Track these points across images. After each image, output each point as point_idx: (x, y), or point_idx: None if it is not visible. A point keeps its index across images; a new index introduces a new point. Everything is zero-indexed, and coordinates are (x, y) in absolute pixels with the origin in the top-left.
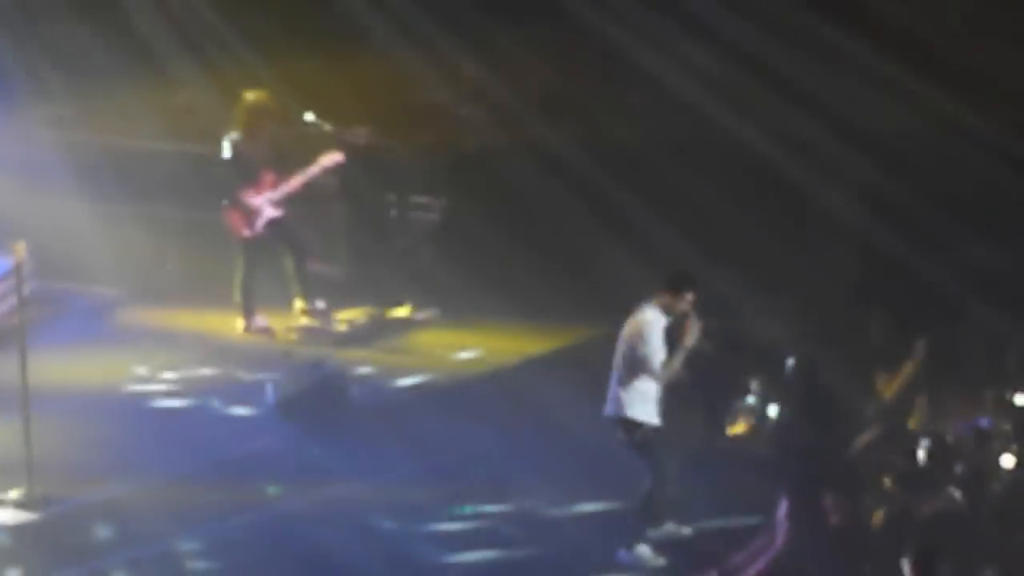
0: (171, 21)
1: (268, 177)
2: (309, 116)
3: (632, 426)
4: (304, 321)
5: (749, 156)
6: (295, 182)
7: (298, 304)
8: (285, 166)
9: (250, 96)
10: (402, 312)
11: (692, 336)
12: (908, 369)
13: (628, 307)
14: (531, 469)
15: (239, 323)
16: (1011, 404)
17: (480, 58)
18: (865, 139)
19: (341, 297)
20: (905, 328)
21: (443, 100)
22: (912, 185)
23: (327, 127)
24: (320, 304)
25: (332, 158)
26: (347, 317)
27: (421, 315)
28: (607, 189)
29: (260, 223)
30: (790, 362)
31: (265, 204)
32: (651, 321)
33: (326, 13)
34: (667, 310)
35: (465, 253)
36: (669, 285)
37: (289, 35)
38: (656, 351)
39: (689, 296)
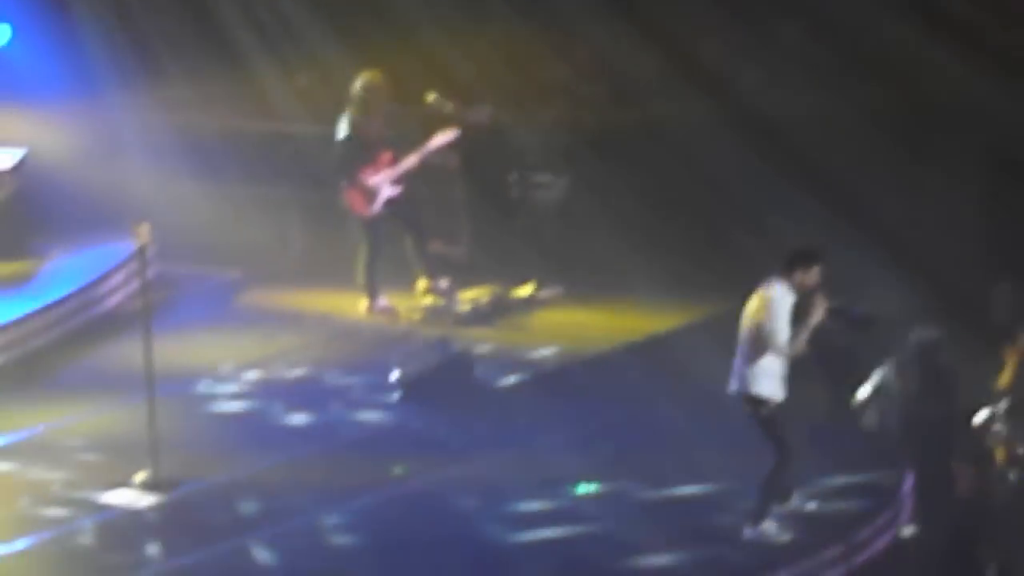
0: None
1: (385, 156)
2: (431, 96)
3: (757, 402)
4: (428, 300)
5: (874, 124)
6: (411, 160)
7: (421, 284)
8: (402, 145)
9: (364, 75)
10: (526, 290)
11: (818, 313)
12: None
13: (756, 281)
14: (657, 447)
15: (363, 304)
16: None
17: (600, 34)
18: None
19: (464, 276)
20: None
21: (565, 77)
22: None
23: (449, 106)
24: (444, 283)
25: (447, 135)
26: (471, 296)
27: (545, 293)
28: (732, 163)
29: (379, 202)
30: (913, 336)
31: (383, 183)
32: (778, 297)
33: None
34: (795, 286)
35: (589, 230)
36: (795, 261)
37: (409, 14)
38: (783, 327)
39: (815, 271)
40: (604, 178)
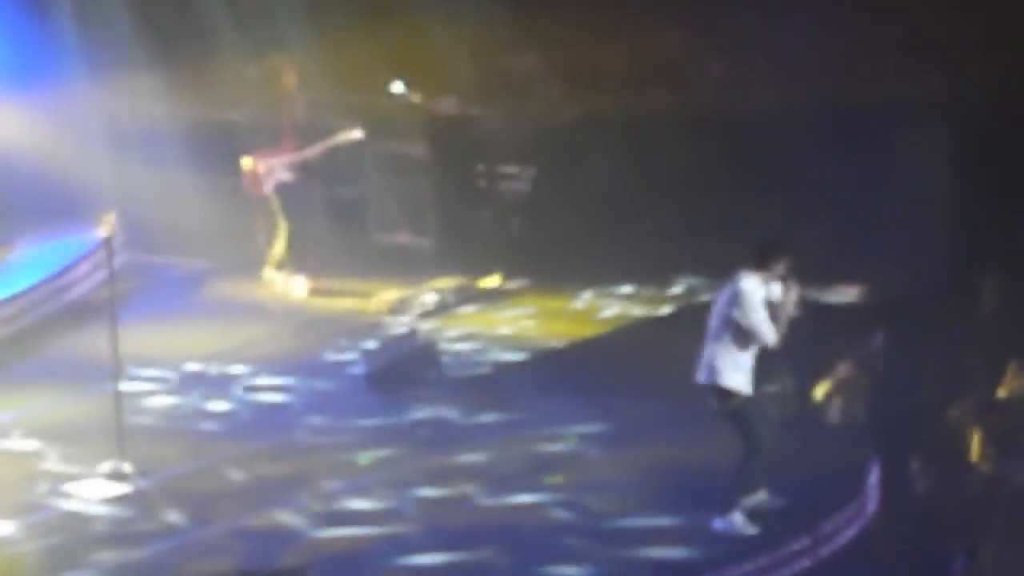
0: None
1: (290, 142)
2: (398, 87)
3: (726, 394)
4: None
5: (837, 115)
6: (312, 151)
7: (269, 271)
8: (307, 134)
9: (273, 61)
10: (492, 282)
11: (791, 302)
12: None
13: (723, 273)
14: (616, 439)
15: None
16: None
17: (568, 25)
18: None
19: (430, 268)
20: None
21: (533, 68)
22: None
23: (416, 97)
24: (300, 277)
25: (353, 134)
26: (438, 287)
27: (511, 284)
28: (697, 155)
29: (268, 184)
30: (881, 329)
31: (278, 167)
32: (751, 291)
33: None
34: (764, 276)
35: (555, 222)
36: (765, 253)
37: (377, 4)
38: (763, 320)
39: (783, 262)
40: (571, 169)
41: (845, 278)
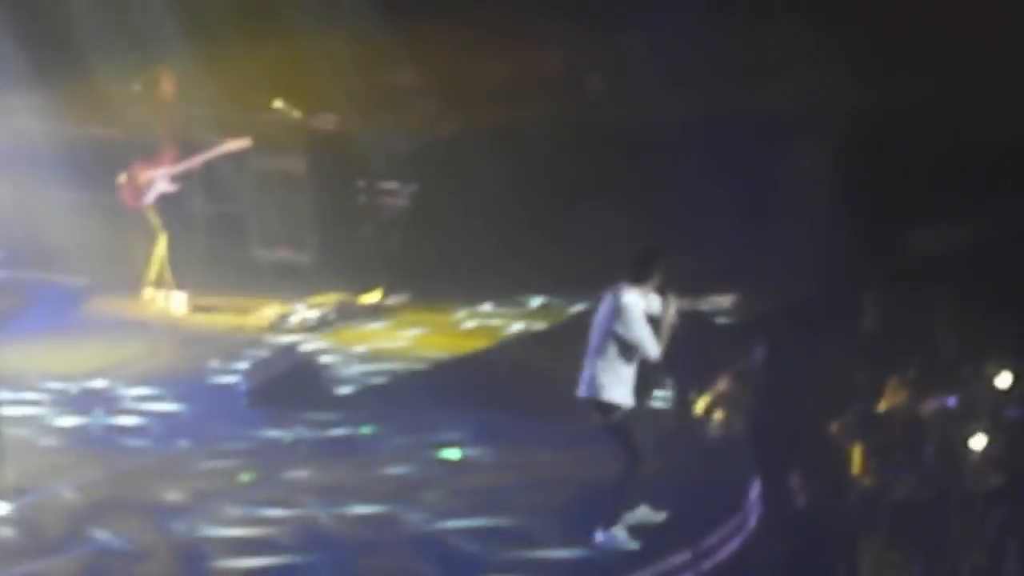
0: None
1: (169, 153)
2: (278, 102)
3: (608, 408)
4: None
5: (717, 128)
6: (195, 161)
7: (149, 288)
8: (187, 150)
9: (150, 73)
10: (373, 297)
11: (670, 314)
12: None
13: (603, 286)
14: (496, 455)
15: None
16: (986, 383)
17: (443, 42)
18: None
19: (310, 284)
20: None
21: (412, 84)
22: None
23: (295, 113)
24: (180, 293)
25: (237, 143)
26: (319, 303)
27: (392, 300)
28: (577, 170)
29: (149, 196)
30: (761, 342)
31: (159, 178)
32: (631, 304)
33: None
34: (642, 289)
35: (435, 237)
36: (641, 264)
37: (257, 20)
38: (646, 333)
39: (660, 273)
40: (451, 184)
41: (722, 289)
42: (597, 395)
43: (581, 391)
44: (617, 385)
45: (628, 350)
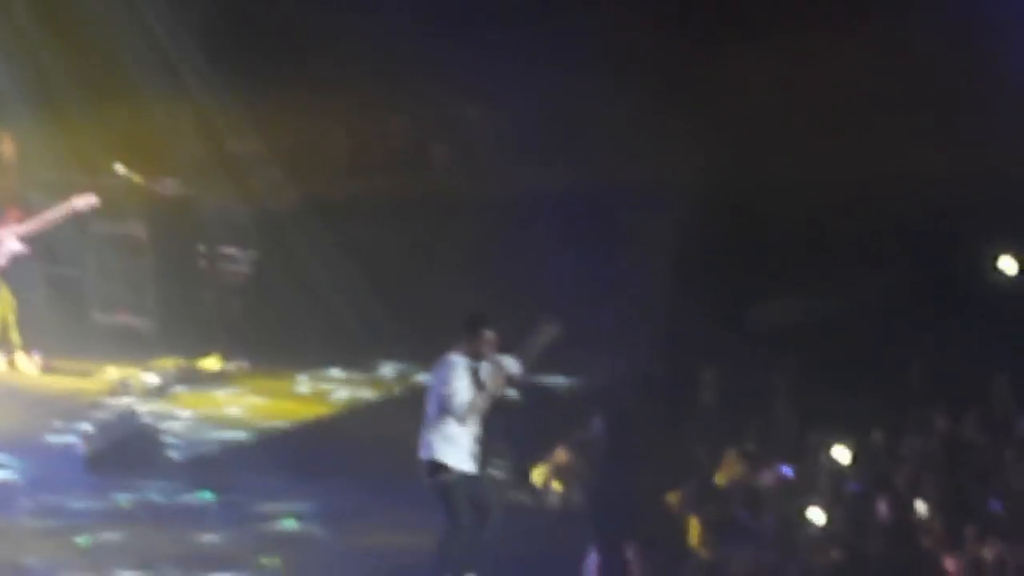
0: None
1: (13, 212)
2: (119, 167)
3: (436, 468)
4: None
5: (562, 200)
6: (45, 218)
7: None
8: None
9: None
10: (212, 363)
11: (492, 379)
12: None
13: (437, 355)
14: (334, 519)
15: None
16: (824, 457)
17: (287, 112)
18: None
19: (150, 348)
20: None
21: (257, 151)
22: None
23: (136, 178)
24: (23, 355)
25: (85, 200)
26: (159, 367)
27: (231, 366)
28: (417, 239)
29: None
30: (601, 414)
31: (5, 237)
32: (451, 364)
33: (137, 62)
34: (471, 353)
35: (275, 304)
36: (466, 327)
37: (103, 83)
38: (455, 392)
39: (487, 337)
40: (292, 252)
41: (566, 364)
42: (429, 456)
43: (420, 453)
44: (446, 446)
45: (450, 416)
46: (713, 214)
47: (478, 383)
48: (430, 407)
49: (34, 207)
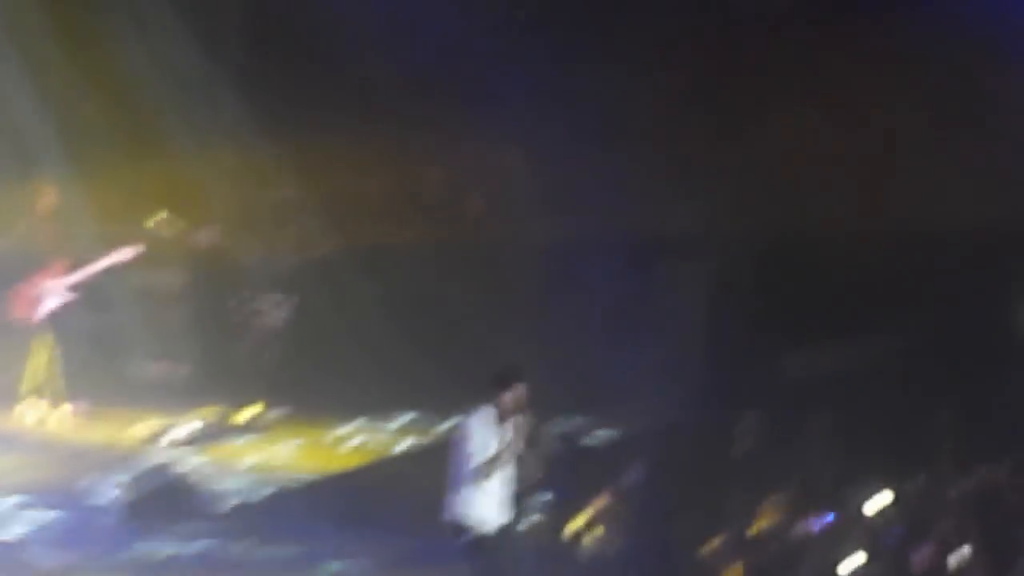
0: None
1: (60, 264)
2: (160, 216)
3: (461, 528)
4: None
5: (600, 248)
6: (90, 270)
7: (29, 399)
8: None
9: (32, 185)
10: (253, 412)
11: (518, 438)
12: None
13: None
14: (377, 573)
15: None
16: (862, 506)
17: (324, 160)
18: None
19: (191, 397)
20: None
21: (293, 200)
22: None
23: (175, 228)
24: (66, 405)
25: (131, 250)
26: (198, 417)
27: (272, 415)
28: (456, 287)
29: (43, 307)
30: (638, 462)
31: (52, 289)
32: (475, 420)
33: (176, 112)
34: (499, 407)
35: (316, 352)
36: (495, 381)
37: (136, 134)
38: (477, 451)
39: (515, 392)
40: (331, 300)
41: (605, 412)
42: (452, 514)
43: (446, 512)
44: (470, 504)
45: (485, 469)
46: (751, 261)
47: (504, 439)
48: (455, 464)
49: (78, 258)
